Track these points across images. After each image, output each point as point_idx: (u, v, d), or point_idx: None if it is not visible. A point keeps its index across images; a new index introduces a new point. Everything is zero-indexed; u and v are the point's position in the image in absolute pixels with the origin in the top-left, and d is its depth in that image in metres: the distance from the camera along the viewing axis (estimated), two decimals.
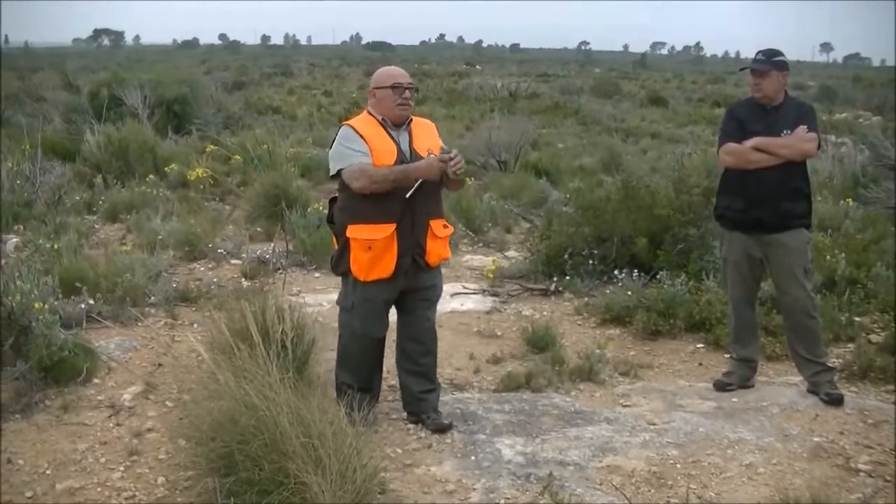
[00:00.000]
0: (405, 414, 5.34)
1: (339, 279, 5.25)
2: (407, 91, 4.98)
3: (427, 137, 5.11)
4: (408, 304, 5.18)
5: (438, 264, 5.21)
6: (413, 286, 5.09)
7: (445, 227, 5.18)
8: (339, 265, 5.05)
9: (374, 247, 4.84)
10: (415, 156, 4.96)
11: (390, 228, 4.84)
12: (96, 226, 10.80)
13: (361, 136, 4.90)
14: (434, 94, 37.53)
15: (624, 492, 4.42)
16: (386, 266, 4.89)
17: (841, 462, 4.81)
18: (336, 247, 5.11)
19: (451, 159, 4.80)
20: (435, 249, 5.06)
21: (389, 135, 4.97)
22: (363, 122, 5.05)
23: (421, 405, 5.25)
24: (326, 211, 5.35)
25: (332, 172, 4.98)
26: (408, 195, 4.85)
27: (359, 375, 5.15)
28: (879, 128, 18.40)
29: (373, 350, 5.21)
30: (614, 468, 4.73)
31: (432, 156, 4.84)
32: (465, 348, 6.70)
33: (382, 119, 5.00)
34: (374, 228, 4.84)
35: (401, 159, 4.90)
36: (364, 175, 4.79)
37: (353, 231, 4.89)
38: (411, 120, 5.10)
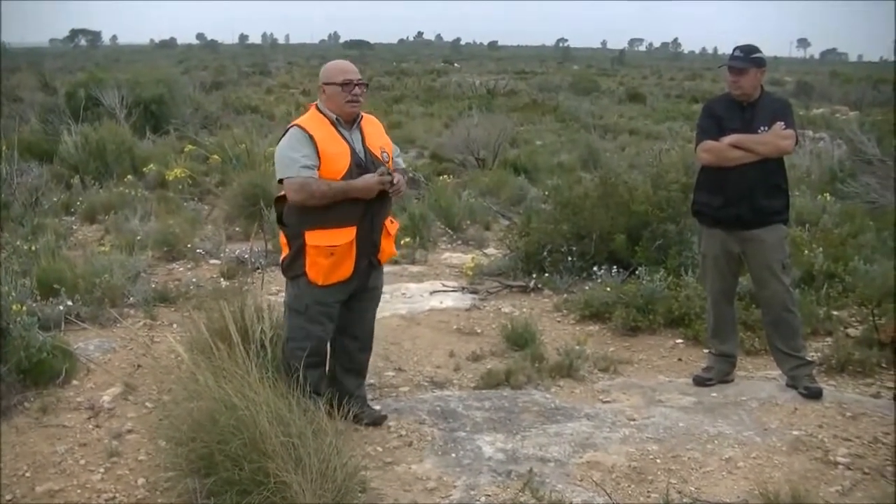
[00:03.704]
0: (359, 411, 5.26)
1: None
2: (357, 87, 4.81)
3: (378, 136, 5.01)
4: (352, 304, 5.08)
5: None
6: (363, 286, 5.03)
7: (392, 222, 5.15)
8: (292, 269, 4.89)
9: (336, 252, 4.73)
10: (369, 155, 4.84)
11: (352, 233, 4.75)
12: (74, 227, 10.76)
13: (312, 138, 4.71)
14: (412, 92, 37.49)
15: (604, 487, 4.44)
16: (345, 270, 4.81)
17: (820, 455, 4.84)
18: (287, 249, 4.92)
19: (391, 182, 4.71)
20: (387, 248, 5.07)
21: (342, 135, 4.83)
22: (314, 122, 4.84)
23: (356, 402, 5.05)
24: (276, 212, 5.07)
25: (278, 177, 4.79)
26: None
27: (312, 378, 4.83)
28: (856, 123, 18.49)
29: (322, 353, 5.08)
30: (594, 464, 4.74)
31: (374, 175, 4.70)
32: (444, 346, 6.71)
33: (336, 118, 4.84)
34: (336, 233, 4.73)
35: (355, 160, 4.76)
36: (304, 190, 4.62)
37: (312, 238, 4.74)
38: (361, 117, 4.96)
